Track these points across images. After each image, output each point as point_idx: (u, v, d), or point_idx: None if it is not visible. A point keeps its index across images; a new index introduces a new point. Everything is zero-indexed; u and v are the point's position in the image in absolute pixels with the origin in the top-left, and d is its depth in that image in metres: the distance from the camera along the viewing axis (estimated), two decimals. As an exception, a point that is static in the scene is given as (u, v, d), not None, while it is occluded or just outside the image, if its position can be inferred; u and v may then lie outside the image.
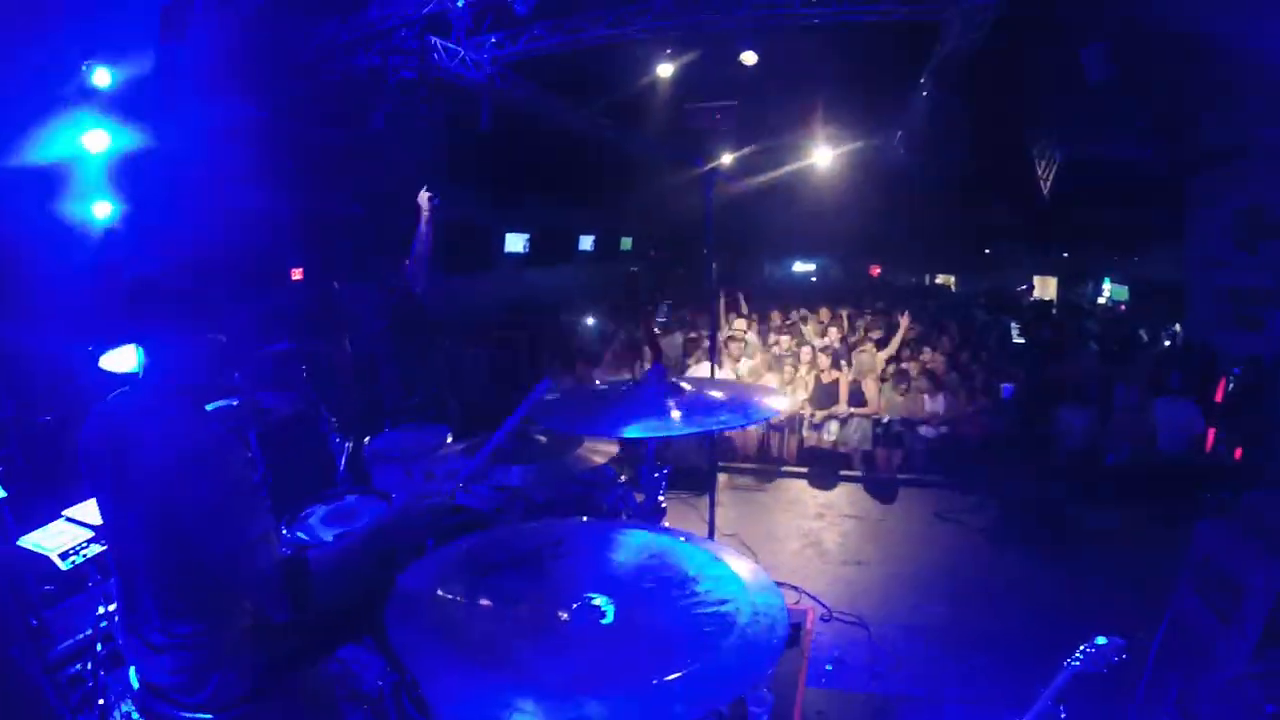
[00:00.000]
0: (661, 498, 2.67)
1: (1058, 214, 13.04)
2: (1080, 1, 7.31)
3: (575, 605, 1.52)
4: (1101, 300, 18.95)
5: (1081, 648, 2.15)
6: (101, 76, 5.21)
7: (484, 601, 1.58)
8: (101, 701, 3.43)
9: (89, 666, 3.60)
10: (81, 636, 3.84)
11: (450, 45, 8.18)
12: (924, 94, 10.41)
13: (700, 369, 8.49)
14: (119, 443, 2.02)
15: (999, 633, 4.29)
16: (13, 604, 3.42)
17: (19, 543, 3.79)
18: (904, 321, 10.03)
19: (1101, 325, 12.23)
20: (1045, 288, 20.26)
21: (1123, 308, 17.42)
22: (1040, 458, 6.71)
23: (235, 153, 7.42)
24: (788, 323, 11.73)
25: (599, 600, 1.53)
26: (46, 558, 3.57)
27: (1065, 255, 19.77)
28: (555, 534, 1.77)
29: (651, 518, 2.55)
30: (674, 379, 2.27)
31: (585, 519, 2.09)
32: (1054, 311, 14.86)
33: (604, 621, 1.50)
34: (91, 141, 5.31)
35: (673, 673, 1.32)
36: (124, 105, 5.40)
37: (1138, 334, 11.23)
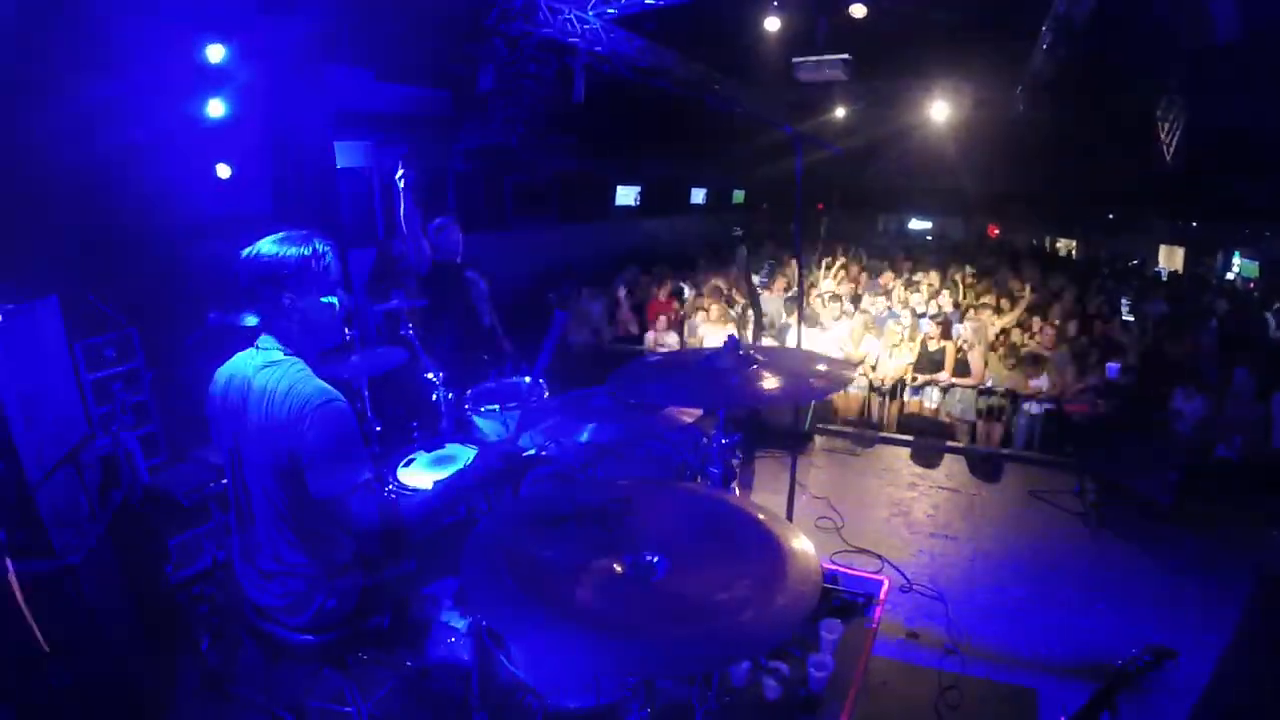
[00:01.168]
0: (735, 464, 2.75)
1: (1188, 180, 12.14)
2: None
3: (630, 560, 1.66)
4: (1229, 276, 17.58)
5: (1133, 654, 2.12)
6: (215, 51, 5.56)
7: (549, 549, 1.73)
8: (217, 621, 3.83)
9: (207, 591, 4.03)
10: (201, 566, 4.28)
11: (555, 4, 8.25)
12: (1044, 45, 9.84)
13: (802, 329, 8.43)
14: (242, 396, 2.27)
15: (1080, 623, 4.20)
16: (140, 534, 3.81)
17: (151, 480, 4.26)
18: (1025, 292, 9.68)
19: (1230, 303, 11.40)
20: (1172, 259, 18.95)
21: (1251, 285, 16.15)
22: (1148, 442, 6.40)
23: (345, 111, 7.75)
24: (903, 281, 11.50)
25: (653, 558, 1.66)
26: (172, 494, 4.00)
27: (1194, 225, 18.37)
28: (624, 493, 1.91)
29: (722, 485, 2.64)
30: (749, 350, 2.35)
31: (655, 481, 2.21)
32: (1179, 285, 13.94)
33: (654, 578, 1.63)
34: (210, 110, 5.71)
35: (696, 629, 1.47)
36: (236, 76, 5.76)
37: (1264, 317, 10.37)
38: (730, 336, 2.38)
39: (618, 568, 1.64)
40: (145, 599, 3.55)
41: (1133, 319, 9.35)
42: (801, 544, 1.72)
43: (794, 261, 11.80)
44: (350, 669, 2.61)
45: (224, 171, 5.94)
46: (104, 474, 3.54)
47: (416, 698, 3.01)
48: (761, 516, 1.86)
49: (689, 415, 3.14)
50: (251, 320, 3.62)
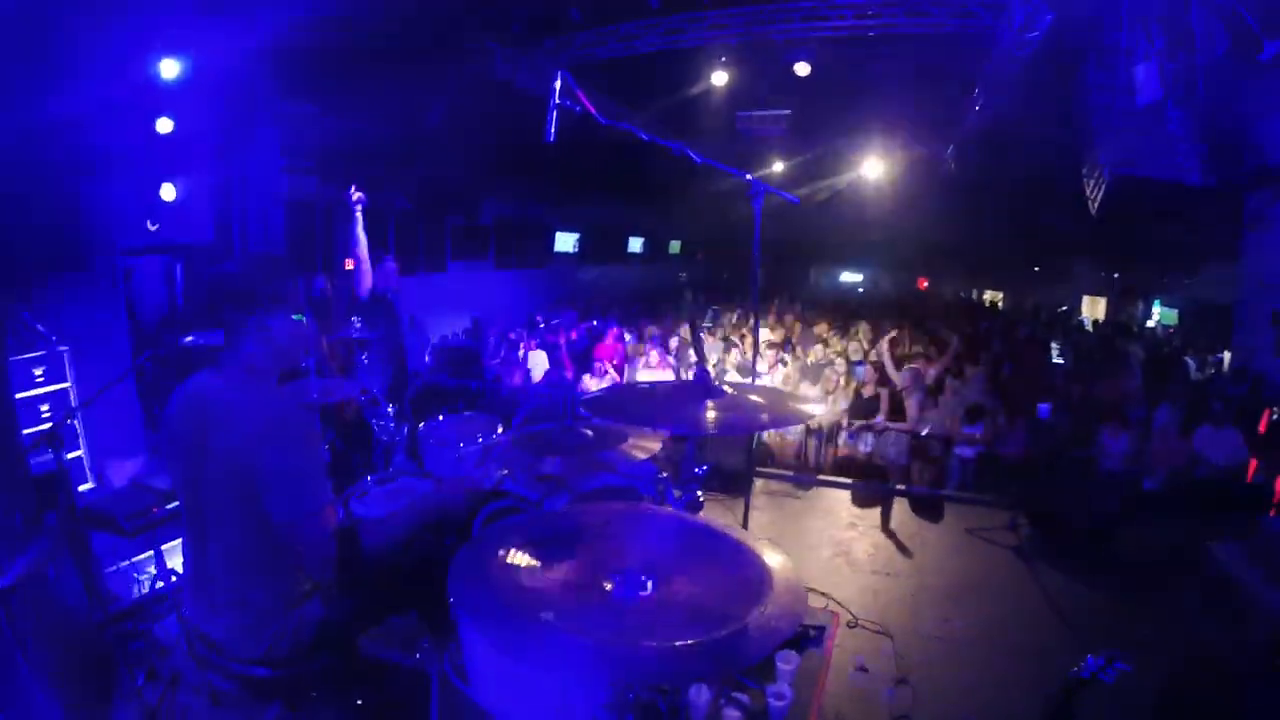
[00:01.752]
0: (700, 494, 2.80)
1: (1109, 232, 12.85)
2: (1129, 20, 7.26)
3: (619, 577, 1.68)
4: (1150, 323, 18.61)
5: (1088, 657, 2.22)
6: (169, 67, 5.45)
7: (537, 571, 1.74)
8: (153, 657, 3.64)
9: (145, 624, 3.83)
10: (140, 596, 4.07)
11: (508, 50, 8.41)
12: (976, 107, 10.38)
13: (735, 375, 8.64)
14: (202, 417, 2.20)
15: (1024, 649, 4.31)
16: (74, 561, 3.62)
17: (89, 503, 4.05)
18: (953, 342, 10.05)
19: (1146, 348, 12.08)
20: (1094, 308, 19.93)
21: (1171, 331, 17.11)
22: (1077, 479, 6.66)
23: (291, 144, 7.69)
24: (834, 331, 11.82)
25: (639, 575, 1.68)
26: (113, 519, 3.82)
27: (1115, 275, 19.40)
28: (601, 516, 1.92)
29: (690, 511, 2.67)
30: (716, 382, 2.41)
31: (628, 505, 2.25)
32: (1104, 332, 14.66)
33: (643, 593, 1.66)
34: (159, 127, 5.59)
35: (693, 639, 1.49)
36: (189, 94, 5.67)
37: (1182, 358, 11.02)
38: (699, 367, 2.43)
39: (606, 585, 1.66)
40: (79, 630, 3.37)
41: (1062, 361, 9.77)
42: (780, 559, 1.77)
43: (729, 314, 12.11)
44: (302, 706, 2.52)
45: (169, 193, 5.81)
46: (39, 494, 3.36)
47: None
48: (736, 535, 1.90)
49: (644, 450, 3.18)
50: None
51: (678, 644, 1.45)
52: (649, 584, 1.67)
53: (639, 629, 1.52)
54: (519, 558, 1.77)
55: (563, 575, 1.72)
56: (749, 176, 3.06)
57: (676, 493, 2.88)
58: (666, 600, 1.64)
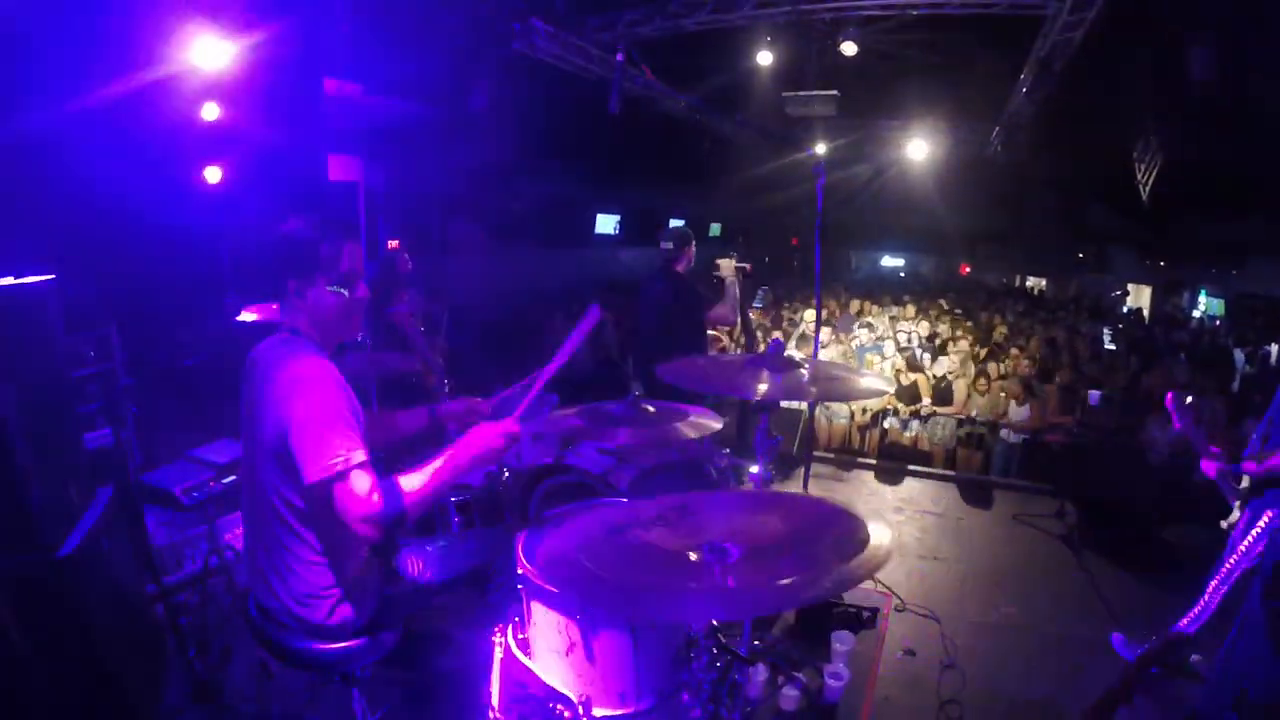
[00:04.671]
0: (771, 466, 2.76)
1: (1157, 221, 12.58)
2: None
3: (704, 547, 1.66)
4: (1196, 313, 18.22)
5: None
6: (214, 57, 5.46)
7: (618, 547, 1.73)
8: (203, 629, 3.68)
9: (198, 598, 3.85)
10: (194, 569, 4.09)
11: (552, 29, 8.34)
12: (1024, 90, 10.16)
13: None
14: (253, 382, 2.17)
15: (1069, 637, 4.29)
16: (130, 533, 3.64)
17: (145, 478, 4.10)
18: (1000, 325, 9.89)
19: (1192, 338, 11.83)
20: (1139, 297, 19.53)
21: (1217, 322, 16.74)
22: (1124, 468, 6.54)
23: (336, 126, 7.70)
24: (887, 314, 11.70)
25: (725, 545, 1.66)
26: (169, 492, 3.86)
27: (1161, 264, 18.99)
28: (676, 501, 1.90)
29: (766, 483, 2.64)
30: (790, 355, 2.38)
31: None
32: (1150, 322, 14.37)
33: (729, 560, 1.64)
34: (204, 111, 5.61)
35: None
36: (233, 79, 5.68)
37: (1229, 350, 10.76)
38: (775, 340, 2.40)
39: (693, 555, 1.64)
40: (133, 602, 3.41)
41: (1114, 348, 9.58)
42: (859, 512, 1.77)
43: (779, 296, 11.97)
44: (358, 680, 2.50)
45: (214, 175, 5.85)
46: (95, 468, 3.39)
47: (425, 712, 2.90)
48: (814, 495, 1.88)
49: (706, 428, 3.14)
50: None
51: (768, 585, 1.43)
52: (735, 553, 1.65)
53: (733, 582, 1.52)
54: (603, 541, 1.76)
55: (645, 553, 1.69)
56: (812, 152, 3.01)
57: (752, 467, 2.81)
58: (755, 561, 1.62)
